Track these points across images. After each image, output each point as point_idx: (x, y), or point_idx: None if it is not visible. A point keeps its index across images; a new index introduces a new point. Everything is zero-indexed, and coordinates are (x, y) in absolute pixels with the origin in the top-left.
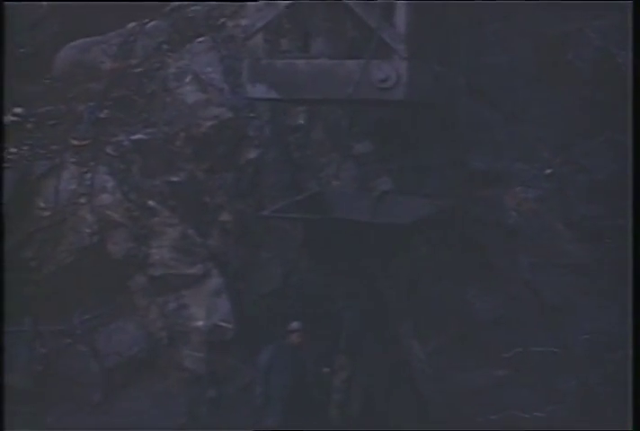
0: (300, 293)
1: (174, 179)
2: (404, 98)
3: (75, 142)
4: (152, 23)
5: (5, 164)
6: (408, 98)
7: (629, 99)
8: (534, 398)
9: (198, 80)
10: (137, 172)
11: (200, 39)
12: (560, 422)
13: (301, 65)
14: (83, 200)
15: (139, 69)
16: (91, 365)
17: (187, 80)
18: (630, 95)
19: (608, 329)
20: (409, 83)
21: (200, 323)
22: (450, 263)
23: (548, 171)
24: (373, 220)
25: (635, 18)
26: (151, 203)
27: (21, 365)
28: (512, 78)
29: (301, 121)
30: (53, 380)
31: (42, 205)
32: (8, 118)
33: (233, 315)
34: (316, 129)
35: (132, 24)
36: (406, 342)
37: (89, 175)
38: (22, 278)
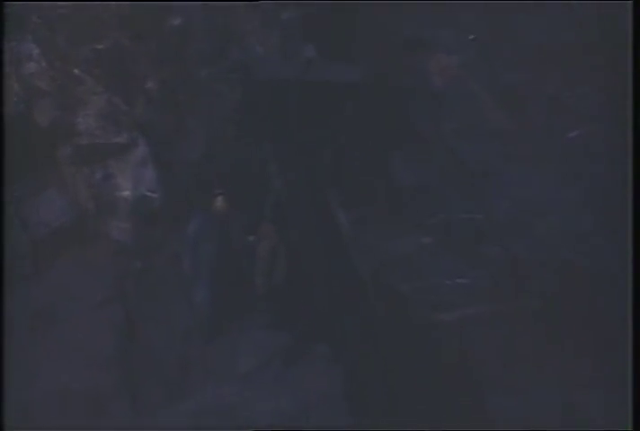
0: (227, 160)
1: (99, 46)
2: None
3: None
4: None
5: None
6: None
7: (629, 99)
8: (458, 265)
9: None
10: (62, 40)
11: None
12: (483, 291)
13: None
14: (8, 69)
15: None
16: (21, 237)
17: None
18: (630, 95)
19: (533, 196)
20: None
21: (127, 193)
22: (375, 131)
23: (472, 36)
24: (303, 78)
25: (635, 18)
26: (76, 71)
27: None
28: None
29: None
30: None
31: None
32: None
33: (159, 185)
34: None
35: None
36: (332, 211)
37: (14, 44)
38: None
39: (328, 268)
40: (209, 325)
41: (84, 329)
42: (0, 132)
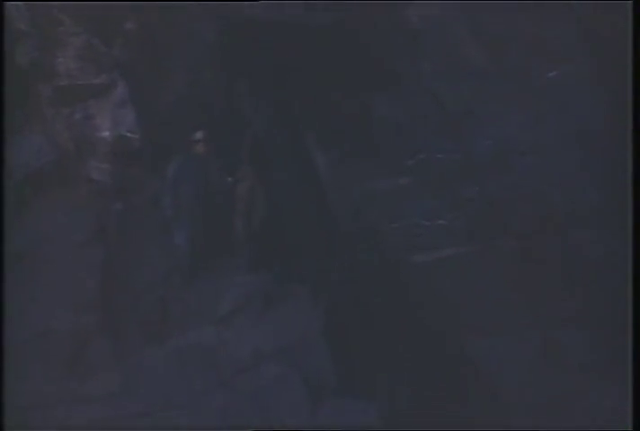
0: (206, 101)
1: None
2: None
3: None
4: None
5: None
6: None
7: (629, 99)
8: (436, 205)
9: None
10: None
11: None
12: (459, 231)
13: None
14: None
15: None
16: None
17: None
18: (630, 95)
19: (512, 136)
20: None
21: (106, 134)
22: (353, 72)
23: None
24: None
25: (635, 18)
26: (55, 12)
27: None
28: None
29: None
30: None
31: None
32: None
33: (139, 125)
34: None
35: None
36: (310, 153)
37: None
38: None
39: (306, 210)
40: (189, 266)
41: (64, 270)
42: None
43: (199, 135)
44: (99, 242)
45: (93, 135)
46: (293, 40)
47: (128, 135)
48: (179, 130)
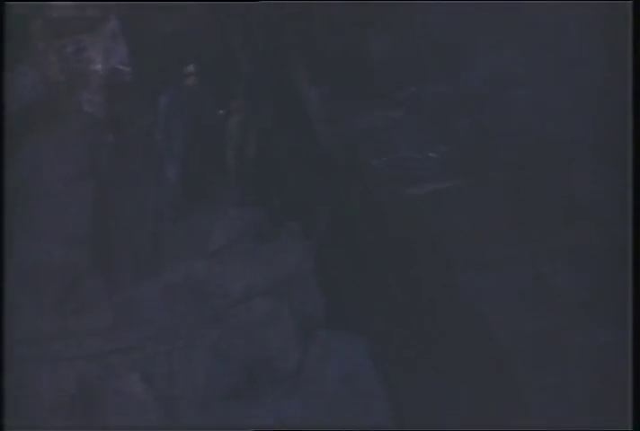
0: (198, 35)
1: None
2: None
3: None
4: None
5: None
6: None
7: (629, 99)
8: (428, 138)
9: None
10: None
11: None
12: (452, 164)
13: None
14: None
15: None
16: None
17: None
18: (630, 95)
19: (505, 68)
20: None
21: (99, 66)
22: (345, 5)
23: None
24: None
25: (635, 18)
26: None
27: None
28: None
29: None
30: None
31: None
32: None
33: (131, 58)
34: None
35: None
36: (301, 88)
37: None
38: None
39: (298, 143)
40: (181, 201)
41: (57, 204)
42: None
43: (190, 68)
44: (91, 176)
45: (85, 67)
46: None
47: (121, 67)
48: (171, 64)
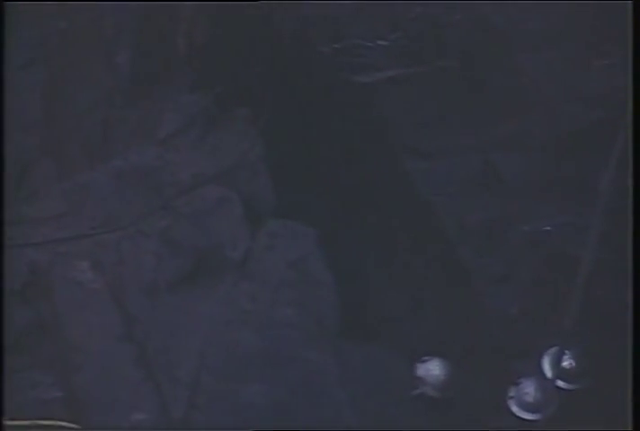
0: None
1: None
2: None
3: None
4: None
5: None
6: None
7: (629, 99)
8: (378, 25)
9: None
10: None
11: None
12: (402, 52)
13: None
14: None
15: None
16: None
17: None
18: (630, 95)
19: None
20: None
21: None
22: None
23: None
24: None
25: (635, 18)
26: None
27: None
28: None
29: None
30: None
31: None
32: None
33: None
34: None
35: None
36: None
37: None
38: None
39: (248, 29)
40: (131, 87)
41: (6, 91)
42: None
43: None
44: (41, 63)
45: None
46: None
47: None
48: None
